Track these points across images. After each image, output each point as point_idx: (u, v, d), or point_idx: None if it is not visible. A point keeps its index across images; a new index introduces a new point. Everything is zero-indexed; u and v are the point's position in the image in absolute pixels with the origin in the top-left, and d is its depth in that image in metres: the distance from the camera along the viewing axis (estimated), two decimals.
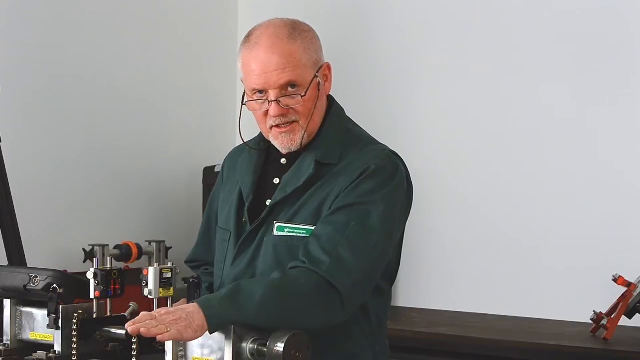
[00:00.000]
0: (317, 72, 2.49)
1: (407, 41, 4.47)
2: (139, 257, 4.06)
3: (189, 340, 2.22)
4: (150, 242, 4.17)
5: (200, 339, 2.21)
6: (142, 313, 2.20)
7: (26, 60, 4.04)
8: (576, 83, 4.06)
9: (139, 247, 4.07)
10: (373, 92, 4.52)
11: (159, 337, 2.15)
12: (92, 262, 2.58)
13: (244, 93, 2.52)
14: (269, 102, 2.45)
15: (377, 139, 2.59)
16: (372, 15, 4.55)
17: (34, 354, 2.54)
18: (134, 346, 2.32)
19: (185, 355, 2.26)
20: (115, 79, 4.37)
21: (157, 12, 4.57)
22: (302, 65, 2.45)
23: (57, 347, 2.47)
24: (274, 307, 2.25)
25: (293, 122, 2.47)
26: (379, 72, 4.53)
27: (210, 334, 2.19)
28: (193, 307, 2.19)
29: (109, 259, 2.56)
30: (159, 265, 2.38)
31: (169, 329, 2.14)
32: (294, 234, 2.45)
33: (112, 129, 4.36)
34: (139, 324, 2.15)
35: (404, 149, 2.65)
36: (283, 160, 2.56)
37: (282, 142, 2.50)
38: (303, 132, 2.48)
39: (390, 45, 4.51)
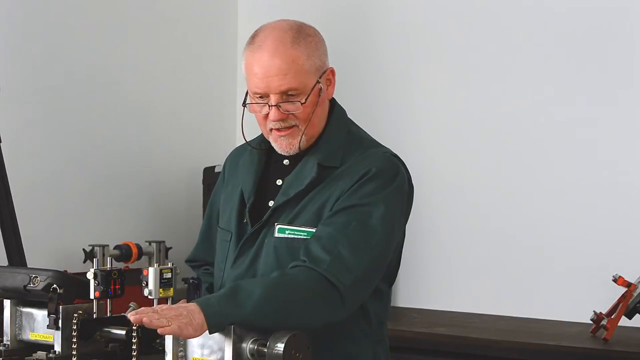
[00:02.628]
0: (320, 78, 2.48)
1: (408, 41, 4.46)
2: (139, 258, 4.06)
3: (189, 338, 2.22)
4: (150, 243, 4.17)
5: (200, 339, 2.22)
6: (144, 308, 2.21)
7: (26, 61, 4.04)
8: (576, 82, 4.05)
9: (139, 247, 4.07)
10: (373, 93, 4.51)
11: (160, 330, 2.16)
12: (92, 263, 2.58)
13: (247, 93, 2.52)
14: (269, 106, 2.45)
15: (378, 141, 2.59)
16: (372, 16, 4.55)
17: (34, 354, 2.54)
18: (133, 346, 2.32)
19: (185, 356, 2.26)
20: (115, 79, 4.37)
21: (157, 13, 4.57)
22: (305, 71, 2.44)
23: (57, 348, 2.47)
24: (273, 305, 2.26)
25: (293, 126, 2.48)
26: (379, 73, 4.52)
27: (210, 333, 2.19)
28: (193, 305, 2.20)
29: (109, 259, 2.56)
30: (159, 266, 2.39)
31: (170, 323, 2.15)
32: (295, 236, 2.46)
33: (112, 129, 4.35)
34: (142, 314, 2.16)
35: (404, 149, 2.65)
36: (286, 162, 2.56)
37: (281, 146, 2.51)
38: (301, 136, 2.48)
39: (390, 45, 4.51)
